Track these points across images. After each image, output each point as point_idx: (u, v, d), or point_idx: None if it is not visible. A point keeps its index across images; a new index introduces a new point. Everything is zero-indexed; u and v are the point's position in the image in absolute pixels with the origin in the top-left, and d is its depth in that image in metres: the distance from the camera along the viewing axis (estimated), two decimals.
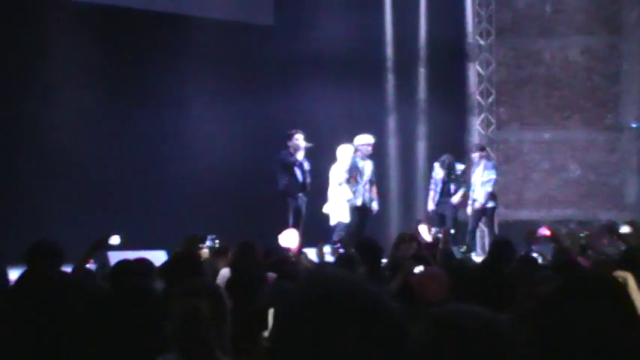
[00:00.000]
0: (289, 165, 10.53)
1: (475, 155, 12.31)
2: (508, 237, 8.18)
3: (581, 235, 7.55)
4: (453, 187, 12.00)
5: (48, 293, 4.57)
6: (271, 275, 5.53)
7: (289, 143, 10.59)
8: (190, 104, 12.36)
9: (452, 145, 13.06)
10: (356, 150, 11.03)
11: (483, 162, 12.21)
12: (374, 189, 11.18)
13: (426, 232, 11.55)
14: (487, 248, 11.36)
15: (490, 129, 14.78)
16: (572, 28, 14.78)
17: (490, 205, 12.18)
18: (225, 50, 12.53)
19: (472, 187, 12.10)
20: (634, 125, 14.34)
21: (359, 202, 10.93)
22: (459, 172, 12.13)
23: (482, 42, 14.79)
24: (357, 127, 11.67)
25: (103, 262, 7.29)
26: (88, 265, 5.93)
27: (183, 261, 4.67)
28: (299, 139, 10.54)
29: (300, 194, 10.61)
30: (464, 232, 11.91)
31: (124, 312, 4.05)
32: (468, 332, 1.48)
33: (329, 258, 7.30)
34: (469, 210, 12.14)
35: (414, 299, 4.59)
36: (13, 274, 5.35)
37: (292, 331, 1.34)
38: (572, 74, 14.80)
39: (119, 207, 11.25)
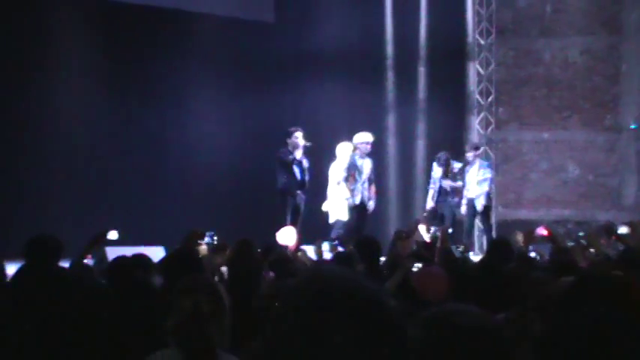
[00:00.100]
0: (288, 163, 10.52)
1: (469, 154, 12.29)
2: (506, 236, 8.19)
3: (580, 234, 7.57)
4: (449, 184, 12.02)
5: (44, 288, 4.57)
6: (270, 274, 5.53)
7: (288, 141, 10.58)
8: (190, 101, 12.36)
9: (451, 144, 13.07)
10: (355, 148, 11.03)
11: (478, 161, 12.22)
12: (372, 188, 11.18)
13: (424, 232, 11.56)
14: (485, 247, 11.36)
15: (489, 128, 14.78)
16: (573, 29, 14.79)
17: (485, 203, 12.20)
18: (225, 47, 12.52)
19: (466, 187, 12.10)
20: (633, 126, 14.34)
21: (357, 201, 10.94)
22: (456, 170, 12.14)
23: (482, 41, 14.78)
24: (356, 125, 11.68)
25: (100, 257, 7.30)
26: (85, 261, 5.93)
27: (182, 257, 4.67)
28: (298, 137, 10.53)
29: (299, 192, 10.60)
30: (462, 232, 11.93)
31: (123, 306, 4.05)
32: (464, 332, 1.48)
33: (327, 255, 7.31)
34: (463, 209, 12.16)
35: (414, 298, 4.59)
36: (11, 269, 5.35)
37: (289, 330, 1.34)
38: (572, 74, 14.80)
39: (117, 203, 11.26)
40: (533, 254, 7.60)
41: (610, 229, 8.01)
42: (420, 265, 5.30)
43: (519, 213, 14.63)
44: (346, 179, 10.90)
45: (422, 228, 11.60)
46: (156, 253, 6.95)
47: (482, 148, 13.19)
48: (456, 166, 12.20)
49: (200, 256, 5.65)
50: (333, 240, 9.98)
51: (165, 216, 11.21)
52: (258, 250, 6.03)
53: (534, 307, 3.66)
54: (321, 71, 13.04)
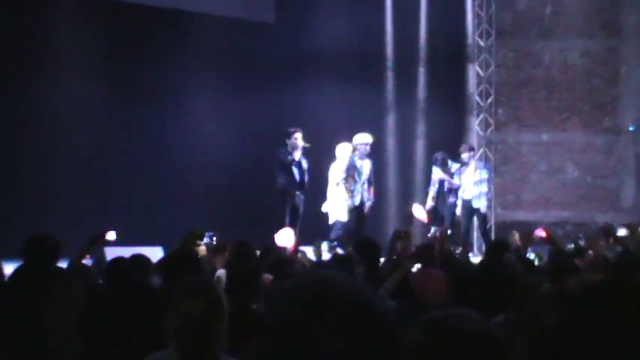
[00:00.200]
0: (287, 164, 10.51)
1: (465, 156, 12.29)
2: (505, 238, 8.20)
3: (580, 235, 7.58)
4: (447, 184, 12.06)
5: (42, 288, 4.57)
6: (267, 277, 5.52)
7: (287, 141, 10.57)
8: (190, 101, 12.35)
9: (450, 145, 13.06)
10: (354, 149, 11.03)
11: (474, 162, 12.24)
12: (371, 189, 11.17)
13: (422, 212, 11.53)
14: (484, 248, 11.37)
15: (489, 130, 14.79)
16: (572, 31, 14.80)
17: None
18: (225, 47, 12.52)
19: (462, 187, 12.11)
20: (631, 128, 14.36)
21: (357, 202, 10.93)
22: (453, 171, 12.17)
23: (481, 43, 14.79)
24: (356, 125, 11.68)
25: (99, 257, 7.29)
26: (84, 261, 5.93)
27: (181, 257, 4.65)
28: (298, 138, 10.53)
29: (298, 193, 10.60)
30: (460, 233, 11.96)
31: (121, 307, 4.05)
32: (464, 336, 1.48)
33: (326, 256, 7.30)
34: (458, 210, 12.17)
35: (413, 299, 4.58)
36: (11, 269, 5.35)
37: (282, 334, 1.34)
38: (571, 76, 14.81)
39: (117, 202, 11.25)
40: (532, 256, 7.61)
41: (608, 232, 8.01)
42: (419, 265, 5.29)
43: (518, 214, 14.64)
44: (345, 180, 10.90)
45: (418, 208, 11.60)
46: (154, 254, 6.94)
47: (481, 150, 13.20)
48: (454, 166, 12.22)
49: (199, 256, 5.65)
50: (333, 241, 9.99)
51: (164, 216, 11.19)
52: (257, 252, 6.02)
53: (530, 310, 3.67)
54: (321, 72, 13.03)
